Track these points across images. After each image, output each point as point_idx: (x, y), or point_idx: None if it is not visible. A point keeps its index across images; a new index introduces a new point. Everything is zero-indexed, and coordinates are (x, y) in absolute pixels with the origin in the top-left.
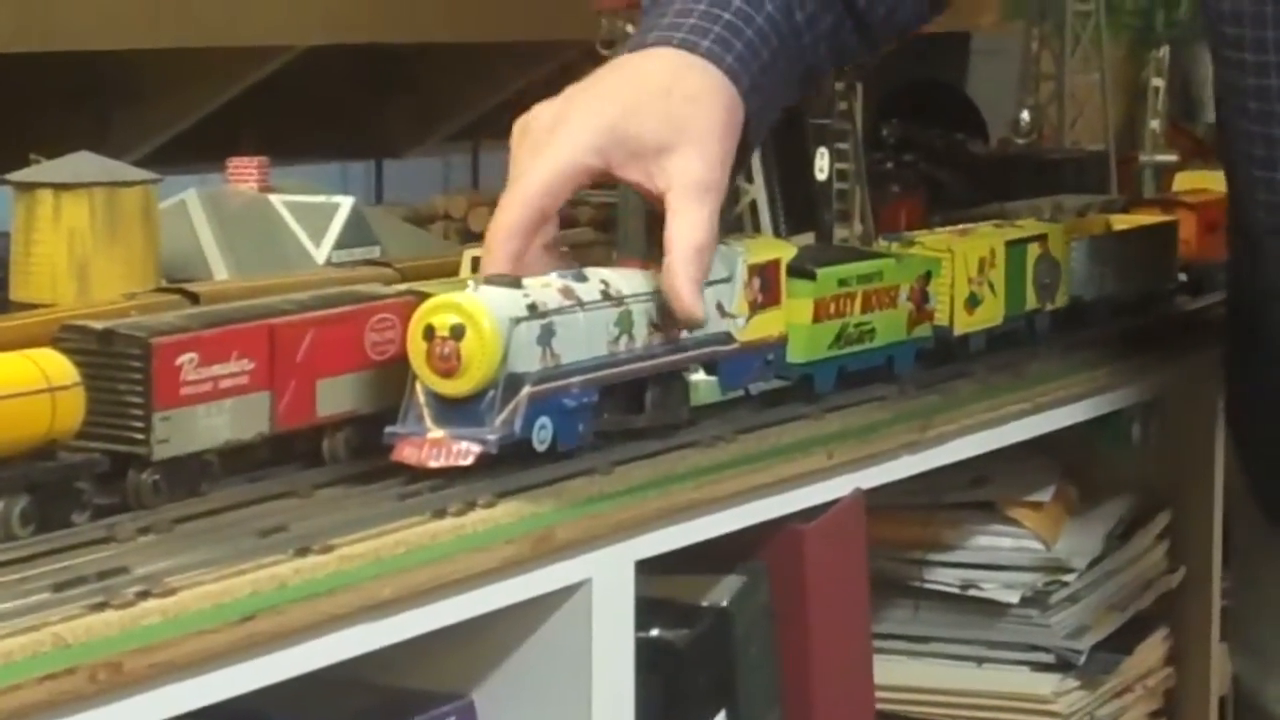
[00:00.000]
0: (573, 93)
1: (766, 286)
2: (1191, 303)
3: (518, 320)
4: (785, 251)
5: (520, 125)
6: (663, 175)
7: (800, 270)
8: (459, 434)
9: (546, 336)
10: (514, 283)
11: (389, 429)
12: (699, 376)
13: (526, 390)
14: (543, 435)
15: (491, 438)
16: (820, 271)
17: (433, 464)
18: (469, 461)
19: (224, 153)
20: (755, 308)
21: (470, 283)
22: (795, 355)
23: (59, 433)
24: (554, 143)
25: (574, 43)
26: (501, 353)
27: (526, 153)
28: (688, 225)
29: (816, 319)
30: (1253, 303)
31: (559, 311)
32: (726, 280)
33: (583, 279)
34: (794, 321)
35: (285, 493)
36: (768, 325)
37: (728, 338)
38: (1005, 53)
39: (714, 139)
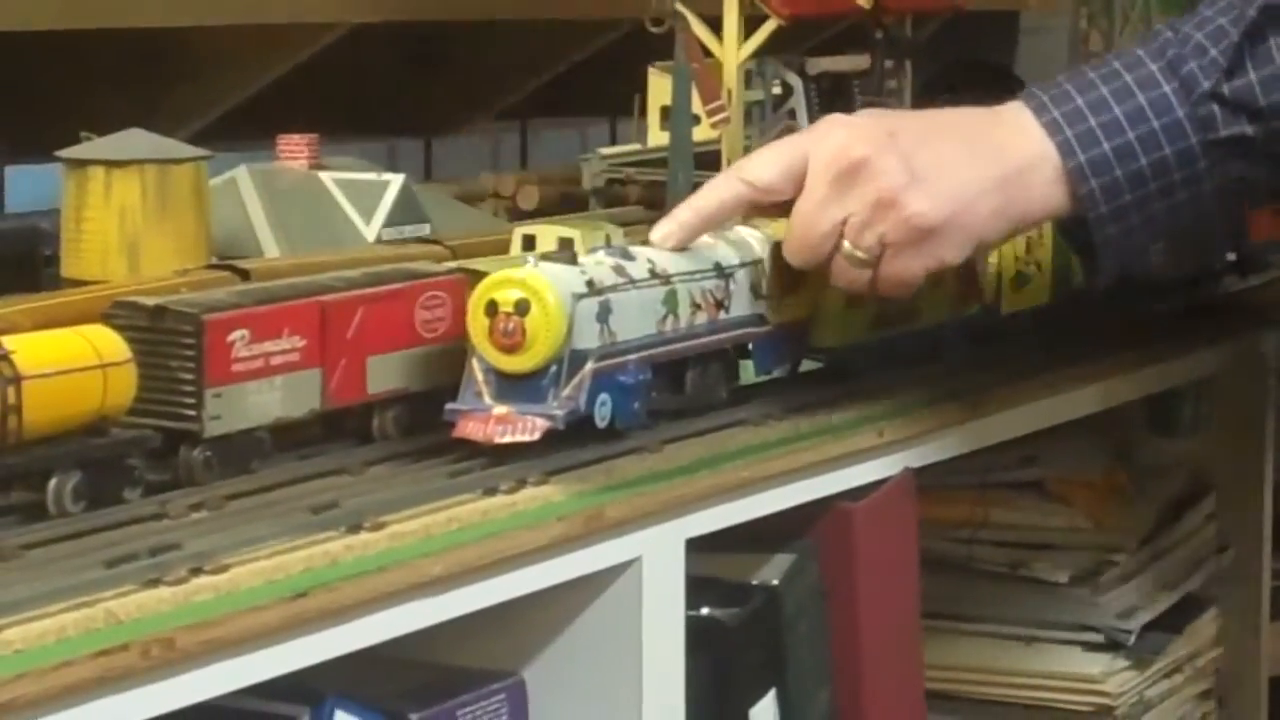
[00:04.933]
0: None
1: (793, 268)
2: (1240, 283)
3: (579, 296)
4: None
5: None
6: None
7: None
8: (523, 410)
9: (604, 313)
10: (571, 259)
11: (449, 406)
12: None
13: (590, 366)
14: (604, 412)
15: (558, 413)
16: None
17: (499, 440)
18: (536, 437)
19: (274, 130)
20: (784, 289)
21: (530, 259)
22: (829, 338)
23: (111, 409)
24: None
25: (623, 20)
26: (566, 328)
27: None
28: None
29: (851, 302)
30: None
31: (614, 289)
32: (759, 262)
33: (630, 257)
34: (826, 305)
35: (336, 470)
36: (796, 308)
37: (761, 319)
38: (1054, 31)
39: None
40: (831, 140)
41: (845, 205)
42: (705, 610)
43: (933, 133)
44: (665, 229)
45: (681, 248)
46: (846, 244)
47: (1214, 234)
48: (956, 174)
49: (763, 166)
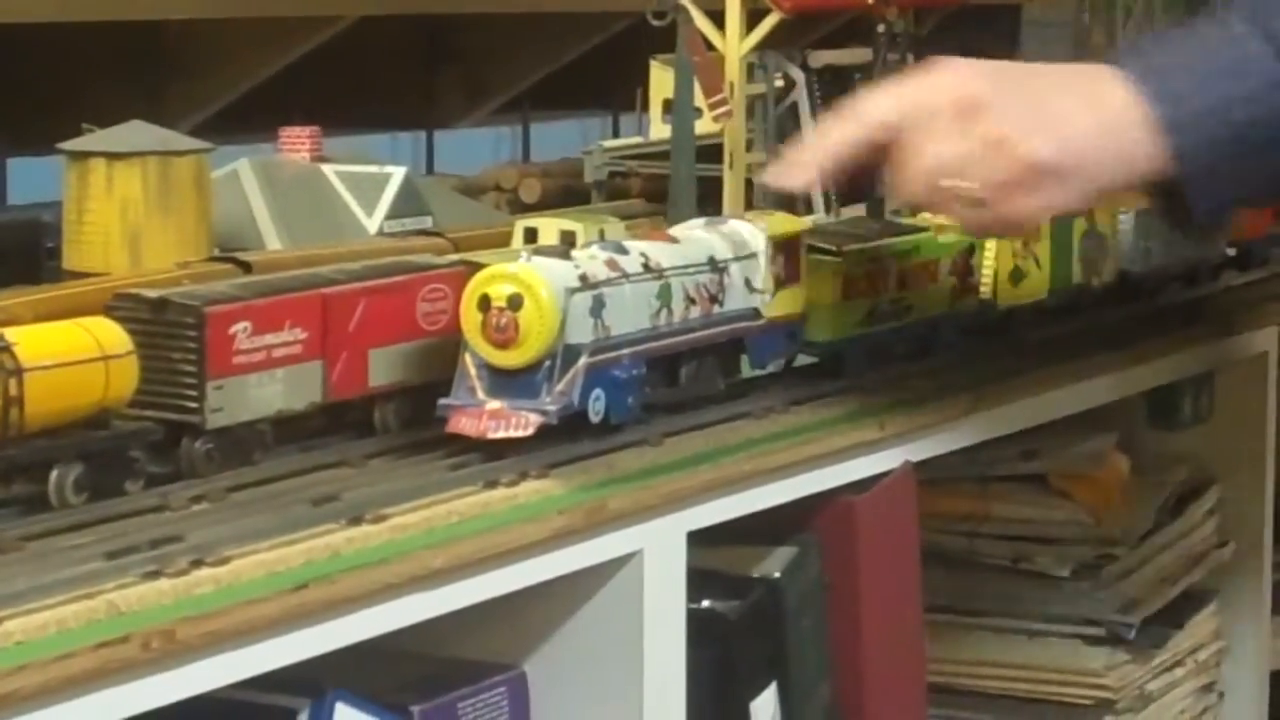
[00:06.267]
0: None
1: (789, 262)
2: (1239, 277)
3: (572, 291)
4: (804, 226)
5: None
6: None
7: (826, 248)
8: (516, 405)
9: (598, 308)
10: (564, 253)
11: (442, 401)
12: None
13: (584, 361)
14: (597, 407)
15: (552, 408)
16: (847, 249)
17: (492, 435)
18: (529, 432)
19: (275, 123)
20: (779, 284)
21: (523, 253)
22: (822, 333)
23: (112, 401)
24: None
25: (625, 14)
26: (559, 323)
27: None
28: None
29: (845, 296)
30: None
31: (608, 283)
32: (753, 256)
33: (624, 251)
34: (819, 300)
35: (337, 462)
36: (790, 302)
37: (756, 314)
38: (1057, 24)
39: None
40: (951, 78)
41: (963, 142)
42: (706, 603)
43: (1042, 77)
44: (778, 168)
45: (797, 186)
46: (962, 181)
47: None
48: (1072, 120)
49: (882, 105)
